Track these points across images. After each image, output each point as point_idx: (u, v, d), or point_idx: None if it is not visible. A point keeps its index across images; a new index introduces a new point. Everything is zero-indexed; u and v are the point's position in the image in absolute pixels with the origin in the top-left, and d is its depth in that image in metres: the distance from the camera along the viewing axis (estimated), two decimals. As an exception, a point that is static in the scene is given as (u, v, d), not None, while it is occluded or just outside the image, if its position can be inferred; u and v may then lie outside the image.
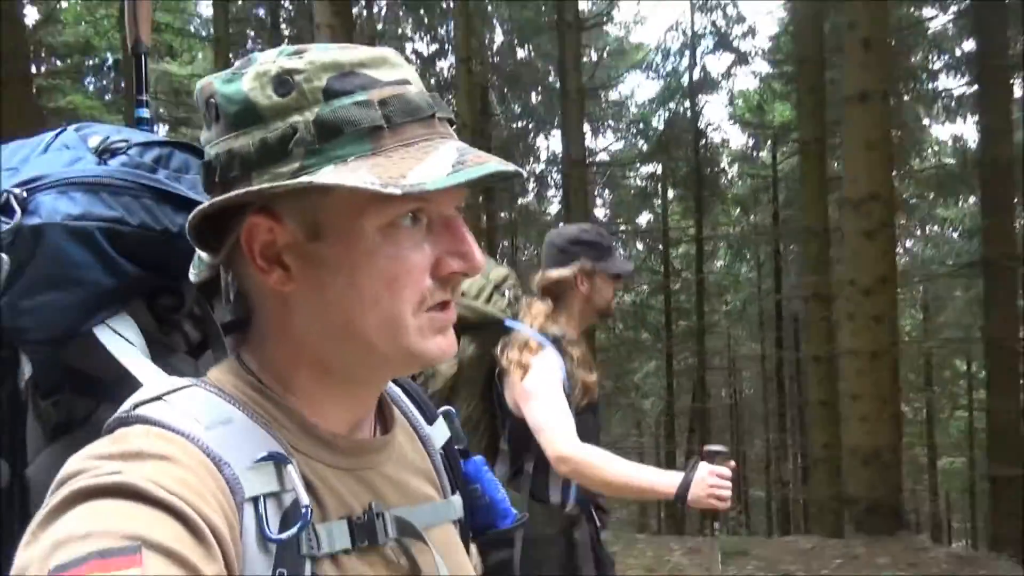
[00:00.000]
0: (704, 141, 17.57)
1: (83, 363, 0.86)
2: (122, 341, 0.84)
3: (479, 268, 0.74)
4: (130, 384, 0.77)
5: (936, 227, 19.87)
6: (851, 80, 7.86)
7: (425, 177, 0.66)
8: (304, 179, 0.67)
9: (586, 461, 2.21)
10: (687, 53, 17.28)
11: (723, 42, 16.83)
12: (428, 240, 0.72)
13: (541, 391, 2.31)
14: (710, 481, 2.12)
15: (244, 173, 0.70)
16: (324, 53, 0.71)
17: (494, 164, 0.69)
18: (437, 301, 0.74)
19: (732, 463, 2.22)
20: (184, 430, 0.66)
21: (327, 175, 0.67)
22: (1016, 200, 10.47)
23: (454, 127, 0.76)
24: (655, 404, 22.42)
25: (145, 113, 1.19)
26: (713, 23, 16.89)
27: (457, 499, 0.89)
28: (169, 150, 0.95)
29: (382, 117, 0.69)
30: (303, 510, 0.67)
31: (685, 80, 17.40)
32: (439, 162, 0.67)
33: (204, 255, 0.76)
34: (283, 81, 0.70)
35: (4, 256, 0.81)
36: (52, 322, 0.83)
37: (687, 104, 17.39)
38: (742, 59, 16.96)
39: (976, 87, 11.34)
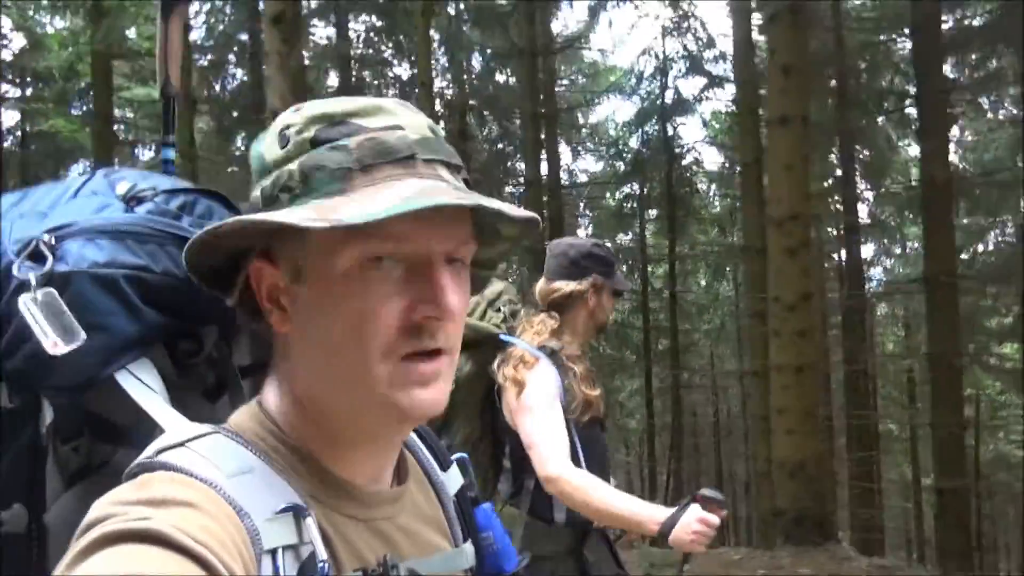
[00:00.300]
0: (678, 162, 17.88)
1: (103, 408, 0.87)
2: (144, 387, 0.85)
3: (450, 313, 0.71)
4: (149, 430, 0.79)
5: (915, 245, 20.08)
6: (772, 105, 8.21)
7: (362, 211, 0.65)
8: (253, 217, 0.69)
9: (572, 484, 2.19)
10: (659, 77, 17.64)
11: (695, 66, 17.14)
12: (401, 285, 0.71)
13: (535, 406, 2.28)
14: (695, 528, 2.07)
15: None
16: (317, 106, 0.74)
17: (445, 198, 0.67)
18: (407, 351, 0.71)
19: (724, 512, 2.17)
20: (207, 478, 0.66)
21: (269, 214, 0.69)
22: (952, 219, 10.70)
23: (461, 171, 0.75)
24: (639, 423, 22.58)
25: (171, 155, 1.21)
26: (684, 47, 17.24)
27: (469, 547, 0.89)
28: (194, 197, 0.97)
29: (354, 159, 0.70)
30: (320, 564, 0.67)
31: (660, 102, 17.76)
32: (388, 196, 0.67)
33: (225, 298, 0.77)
34: (282, 135, 0.74)
35: (32, 303, 0.82)
36: (75, 368, 0.83)
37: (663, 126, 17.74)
38: (714, 82, 17.26)
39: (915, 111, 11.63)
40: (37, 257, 0.85)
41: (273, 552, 0.66)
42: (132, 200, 0.94)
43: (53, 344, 0.81)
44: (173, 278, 0.89)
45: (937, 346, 10.05)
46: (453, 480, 0.92)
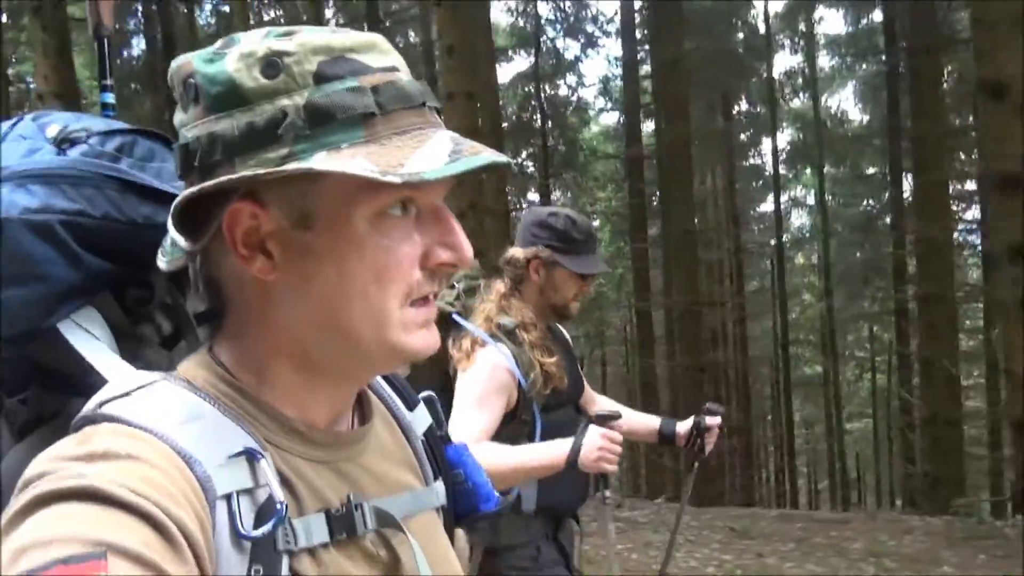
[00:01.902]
0: (551, 124, 17.93)
1: (50, 359, 0.83)
2: (87, 336, 0.81)
3: (468, 260, 0.72)
4: (100, 378, 0.75)
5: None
6: (441, 82, 8.73)
7: (423, 166, 0.64)
8: (302, 166, 0.65)
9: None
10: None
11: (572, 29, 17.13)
12: (417, 230, 0.71)
13: (471, 390, 2.20)
14: (599, 443, 2.07)
15: (227, 158, 0.67)
16: (315, 35, 0.69)
17: (489, 155, 0.68)
18: (424, 293, 0.72)
19: (622, 425, 2.18)
20: (152, 428, 0.64)
21: (321, 162, 0.65)
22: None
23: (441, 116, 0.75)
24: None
25: (109, 98, 1.15)
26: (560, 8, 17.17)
27: (440, 486, 0.88)
28: (132, 138, 0.92)
29: (375, 104, 0.67)
30: (278, 506, 0.65)
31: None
32: (435, 151, 0.66)
33: (181, 241, 0.72)
34: (272, 63, 0.67)
35: None
36: (14, 319, 0.79)
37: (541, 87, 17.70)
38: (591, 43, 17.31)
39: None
40: None
41: (227, 497, 0.64)
42: (64, 143, 0.88)
43: None
44: (114, 222, 0.83)
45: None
46: (420, 419, 0.91)
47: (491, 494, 0.94)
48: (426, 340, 0.74)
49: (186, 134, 0.70)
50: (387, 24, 14.30)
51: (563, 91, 18.31)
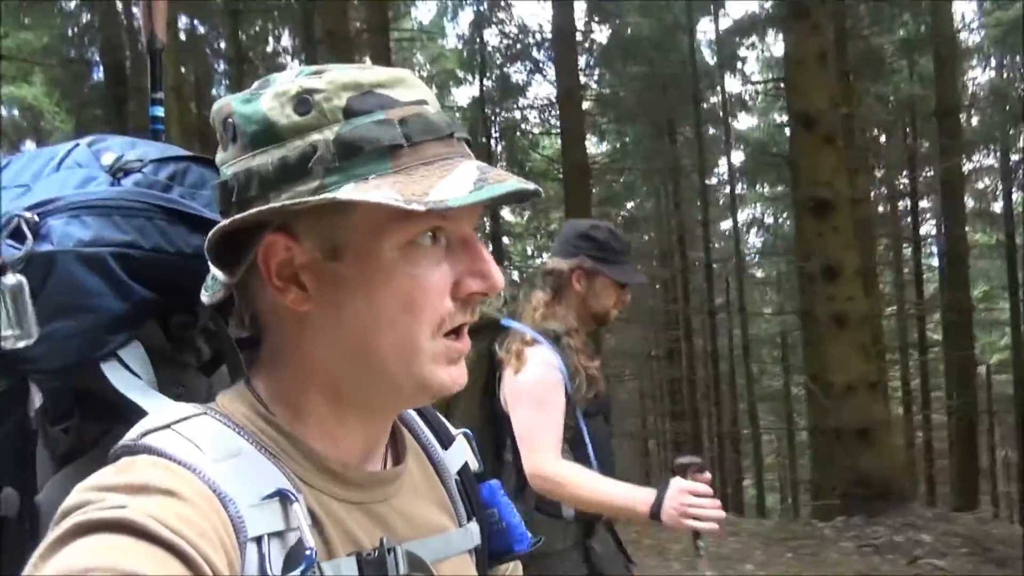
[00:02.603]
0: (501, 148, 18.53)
1: (93, 388, 0.83)
2: (127, 374, 0.81)
3: (499, 287, 0.73)
4: (141, 408, 0.76)
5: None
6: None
7: (447, 194, 0.65)
8: (327, 196, 0.66)
9: (560, 479, 2.13)
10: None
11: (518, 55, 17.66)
12: (447, 260, 0.72)
13: (530, 396, 2.21)
14: (681, 499, 1.98)
15: (262, 192, 0.69)
16: (343, 73, 0.71)
17: (514, 182, 0.69)
18: (456, 324, 0.73)
19: (707, 475, 2.09)
20: (191, 463, 0.65)
21: (347, 192, 0.66)
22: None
23: (471, 147, 0.75)
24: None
25: (160, 111, 1.16)
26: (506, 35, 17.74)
27: (474, 526, 0.87)
28: (185, 165, 0.93)
29: (402, 135, 0.68)
30: (307, 552, 0.65)
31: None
32: (460, 180, 0.67)
33: (220, 275, 0.74)
34: (303, 100, 0.69)
35: (11, 284, 0.78)
36: (64, 350, 0.80)
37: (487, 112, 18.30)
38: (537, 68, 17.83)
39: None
40: (18, 236, 0.80)
41: (258, 539, 0.65)
42: (119, 172, 0.89)
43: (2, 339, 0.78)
44: (163, 253, 0.85)
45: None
46: (455, 457, 0.90)
47: (524, 534, 0.93)
48: (453, 376, 0.74)
49: (225, 171, 0.72)
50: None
51: (516, 114, 18.90)
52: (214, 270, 0.74)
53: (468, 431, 0.95)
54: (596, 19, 16.30)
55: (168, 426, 0.68)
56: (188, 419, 0.70)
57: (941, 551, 6.60)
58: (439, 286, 0.71)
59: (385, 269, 0.69)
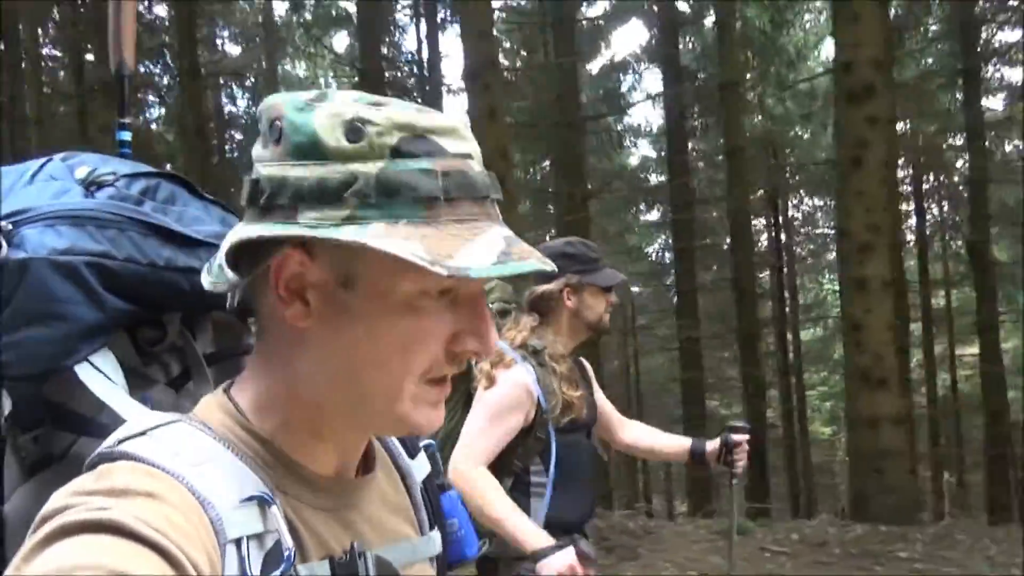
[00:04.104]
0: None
1: (64, 397, 0.84)
2: (103, 378, 0.82)
3: (491, 352, 0.74)
4: (111, 419, 0.76)
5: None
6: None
7: (471, 262, 0.66)
8: (358, 238, 0.66)
9: (471, 484, 2.21)
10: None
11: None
12: (451, 312, 0.72)
13: (489, 406, 2.32)
14: (561, 571, 2.10)
15: (292, 204, 0.68)
16: (401, 112, 0.71)
17: (535, 261, 0.69)
18: (442, 374, 0.74)
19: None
20: (170, 468, 0.65)
21: (378, 233, 0.66)
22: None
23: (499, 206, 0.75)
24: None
25: (127, 136, 1.17)
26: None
27: (436, 535, 0.89)
28: (156, 181, 0.94)
29: (441, 189, 0.68)
30: (286, 552, 0.67)
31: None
32: (486, 248, 0.68)
33: (229, 274, 0.73)
34: (355, 128, 0.69)
35: None
36: (35, 357, 0.81)
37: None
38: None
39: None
40: None
41: (238, 541, 0.66)
42: (92, 185, 0.91)
43: None
44: (136, 264, 0.87)
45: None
46: (421, 467, 0.92)
47: (474, 540, 0.96)
48: (431, 419, 0.75)
49: (260, 170, 0.71)
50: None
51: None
52: (224, 266, 0.73)
53: (433, 443, 0.97)
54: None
55: (145, 432, 0.69)
56: (165, 425, 0.70)
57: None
58: (437, 335, 0.72)
59: (393, 309, 0.70)
